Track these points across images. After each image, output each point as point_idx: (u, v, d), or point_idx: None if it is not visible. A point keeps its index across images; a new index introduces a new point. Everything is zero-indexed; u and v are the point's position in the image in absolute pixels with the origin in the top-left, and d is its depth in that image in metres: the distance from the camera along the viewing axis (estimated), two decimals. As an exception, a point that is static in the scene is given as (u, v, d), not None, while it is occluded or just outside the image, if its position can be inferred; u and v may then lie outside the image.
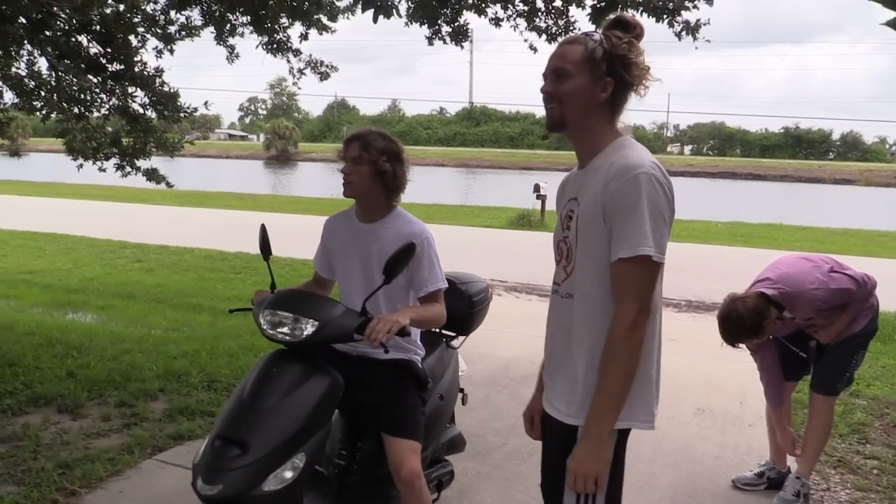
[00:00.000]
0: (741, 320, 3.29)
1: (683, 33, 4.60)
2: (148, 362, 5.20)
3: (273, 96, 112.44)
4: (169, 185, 7.47)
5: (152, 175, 7.21)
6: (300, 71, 6.76)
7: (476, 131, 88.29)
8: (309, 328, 2.35)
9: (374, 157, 2.55)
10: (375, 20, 4.77)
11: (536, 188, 16.51)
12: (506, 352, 5.96)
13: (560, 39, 5.19)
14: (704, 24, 4.69)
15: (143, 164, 7.17)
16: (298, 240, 7.53)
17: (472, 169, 53.93)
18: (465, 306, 3.17)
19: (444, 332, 3.19)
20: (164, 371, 5.02)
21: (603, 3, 4.64)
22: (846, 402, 4.90)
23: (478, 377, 5.13)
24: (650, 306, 1.83)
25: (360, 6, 4.84)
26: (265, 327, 2.41)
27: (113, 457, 3.71)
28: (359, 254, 2.66)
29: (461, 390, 3.32)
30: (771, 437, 3.81)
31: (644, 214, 1.76)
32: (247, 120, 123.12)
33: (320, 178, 45.29)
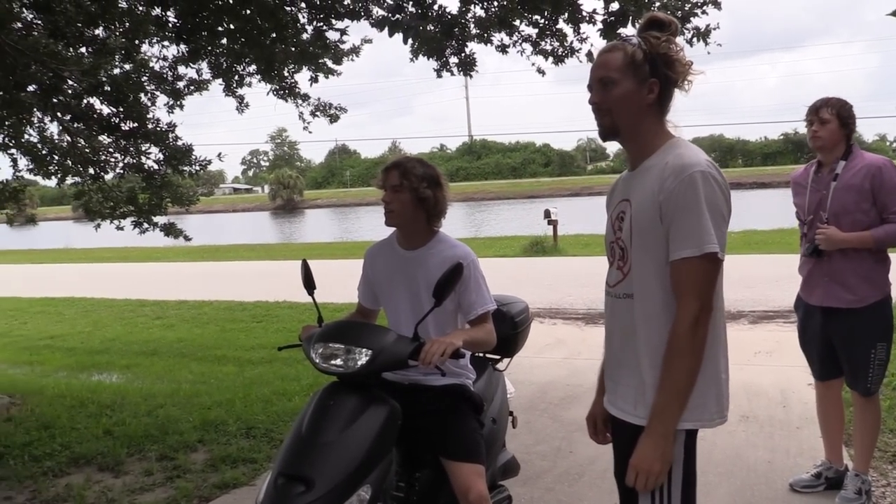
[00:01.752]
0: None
1: (695, 40, 4.64)
2: (183, 414, 5.18)
3: (274, 147, 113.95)
4: (187, 238, 7.51)
5: (170, 230, 7.25)
6: (312, 114, 6.83)
7: (478, 164, 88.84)
8: (363, 357, 2.33)
9: (415, 185, 2.55)
10: (405, 42, 4.87)
11: (547, 214, 16.56)
12: (540, 376, 5.91)
13: (566, 60, 5.27)
14: (714, 29, 4.73)
15: (159, 219, 7.24)
16: (317, 283, 7.52)
17: (478, 202, 54.08)
18: (508, 327, 3.14)
19: (489, 355, 3.17)
20: (201, 422, 4.99)
21: (613, 18, 4.69)
22: (891, 398, 4.82)
23: (516, 403, 5.05)
24: (711, 304, 1.83)
25: (385, 31, 4.91)
26: (318, 360, 2.39)
27: (160, 511, 3.67)
28: (405, 281, 2.64)
29: (510, 413, 3.28)
30: (824, 435, 3.74)
31: (704, 212, 1.77)
32: (250, 173, 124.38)
33: (328, 223, 45.62)
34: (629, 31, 4.72)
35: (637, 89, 1.87)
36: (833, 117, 3.31)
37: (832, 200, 3.32)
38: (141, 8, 5.65)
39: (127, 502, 3.82)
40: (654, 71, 1.86)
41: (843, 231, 3.29)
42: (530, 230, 19.32)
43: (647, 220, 1.85)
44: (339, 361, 2.37)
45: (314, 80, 6.55)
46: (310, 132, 7.46)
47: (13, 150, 7.11)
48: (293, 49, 5.96)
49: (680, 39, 1.92)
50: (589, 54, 5.11)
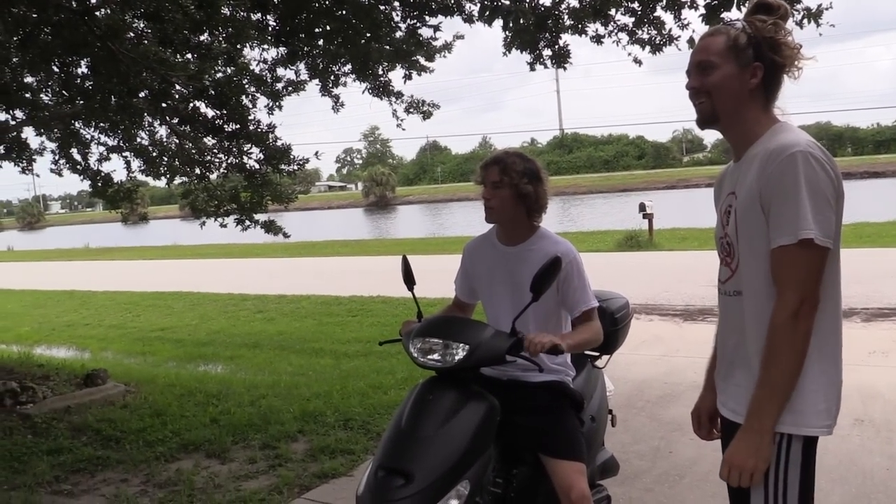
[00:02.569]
0: None
1: (805, 21, 4.40)
2: (284, 405, 5.35)
3: (367, 145, 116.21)
4: (286, 235, 7.78)
5: (270, 227, 7.52)
6: (406, 111, 6.91)
7: (569, 158, 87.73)
8: (461, 352, 2.33)
9: (516, 180, 2.51)
10: (504, 28, 4.86)
11: (642, 207, 16.17)
12: (637, 374, 5.77)
13: (665, 48, 5.11)
14: (827, 9, 4.46)
15: (260, 217, 7.51)
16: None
17: (570, 196, 53.42)
18: (607, 324, 3.06)
19: (588, 352, 3.11)
20: (301, 413, 5.14)
21: (716, 1, 4.50)
22: None
23: (613, 401, 4.98)
24: (816, 296, 1.71)
25: (485, 17, 4.92)
26: (416, 355, 2.41)
27: (264, 497, 3.80)
28: (506, 277, 2.62)
29: (610, 411, 3.22)
30: None
31: (802, 195, 1.66)
32: (344, 171, 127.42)
33: (420, 219, 46.14)
34: (734, 14, 4.54)
35: (739, 73, 1.78)
36: None
37: None
38: (242, 13, 5.86)
39: (233, 488, 3.97)
40: (758, 55, 1.78)
41: None
42: (625, 224, 18.89)
43: (751, 211, 1.76)
44: (436, 356, 2.38)
45: (408, 77, 6.63)
46: (403, 129, 7.60)
47: (127, 153, 7.55)
48: (387, 47, 6.05)
49: (790, 23, 1.82)
50: (690, 41, 4.92)
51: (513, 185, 2.51)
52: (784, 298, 1.70)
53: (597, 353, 3.17)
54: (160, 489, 4.02)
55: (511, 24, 4.91)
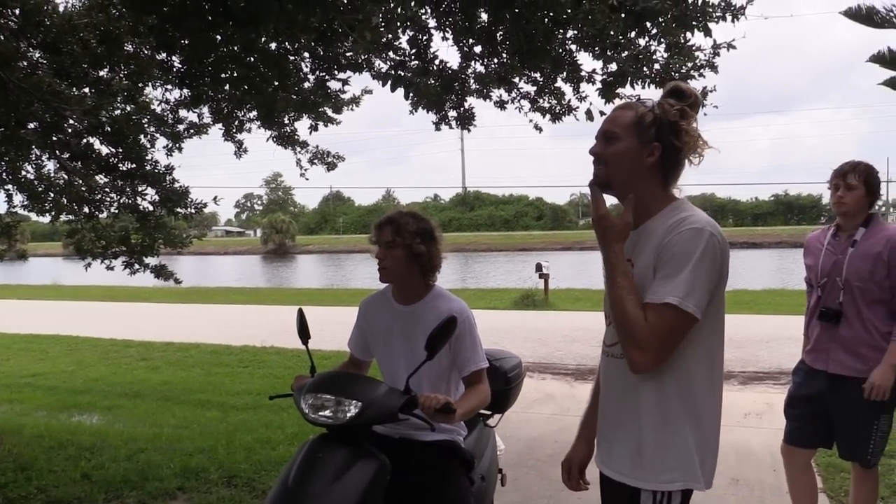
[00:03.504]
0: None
1: (699, 102, 4.70)
2: (164, 460, 5.08)
3: (269, 191, 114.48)
4: (177, 280, 7.49)
5: (161, 271, 7.23)
6: (310, 161, 6.90)
7: (471, 216, 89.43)
8: (353, 409, 2.32)
9: (408, 241, 2.55)
10: (406, 97, 4.97)
11: (538, 267, 16.60)
12: (528, 432, 5.85)
13: (564, 117, 5.37)
14: (711, 91, 4.83)
15: (150, 260, 7.21)
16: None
17: (470, 253, 54.22)
18: (500, 383, 3.11)
19: (480, 410, 3.14)
20: (182, 469, 4.89)
21: (612, 77, 4.78)
22: (884, 463, 4.77)
23: (502, 459, 5.02)
24: (666, 356, 1.81)
25: (388, 86, 5.02)
26: (307, 411, 2.38)
27: (136, 561, 3.57)
28: (401, 336, 2.64)
29: (500, 470, 3.24)
30: (795, 502, 3.67)
31: (688, 267, 1.78)
32: (243, 216, 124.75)
33: (319, 269, 45.55)
34: (628, 91, 4.83)
35: (638, 149, 1.90)
36: (860, 184, 3.27)
37: (847, 266, 3.28)
38: (146, 52, 5.73)
39: (102, 550, 3.71)
40: (659, 136, 1.89)
41: (857, 299, 3.25)
42: (522, 283, 19.35)
43: (645, 279, 1.86)
44: (328, 412, 2.35)
45: (314, 128, 6.64)
46: (306, 179, 7.54)
47: (9, 186, 7.12)
48: (294, 97, 6.05)
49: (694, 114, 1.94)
50: (587, 112, 5.19)
51: (405, 245, 2.55)
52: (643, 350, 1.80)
53: (489, 412, 3.21)
54: (19, 552, 3.71)
55: (412, 94, 5.06)
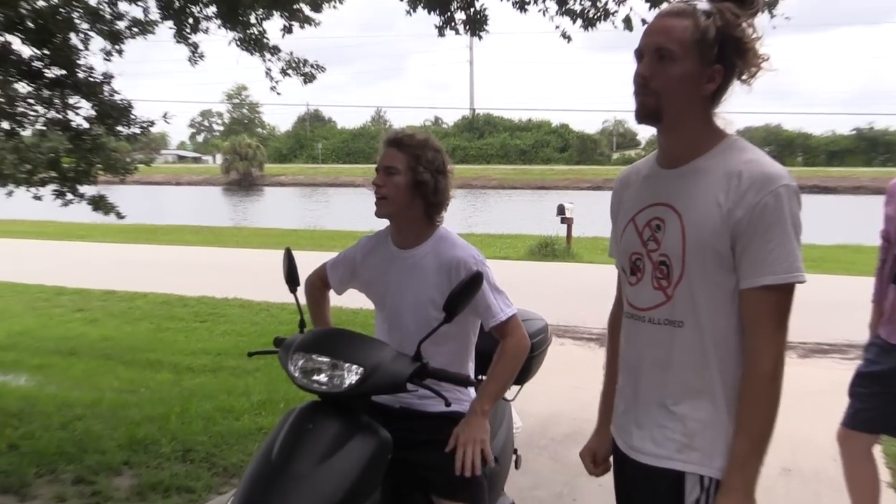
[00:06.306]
0: None
1: (760, 9, 4.62)
2: (106, 430, 5.21)
3: (231, 109, 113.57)
4: (119, 215, 7.51)
5: (99, 203, 7.23)
6: (282, 71, 6.85)
7: (480, 144, 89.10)
8: (353, 376, 2.35)
9: (413, 166, 2.58)
10: None
11: (561, 210, 16.61)
12: (542, 407, 5.94)
13: (599, 24, 5.31)
14: (782, -1, 4.77)
15: (87, 190, 7.22)
16: (272, 280, 7.49)
17: (478, 189, 54.18)
18: None
19: None
20: (128, 440, 5.02)
21: (663, -21, 4.72)
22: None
23: (517, 438, 5.13)
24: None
25: None
26: (297, 374, 2.41)
27: (72, 545, 3.70)
28: (397, 285, 2.68)
29: (515, 451, 3.31)
30: (853, 497, 3.76)
31: (791, 234, 1.82)
32: (199, 138, 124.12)
33: (292, 206, 45.56)
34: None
35: (698, 74, 1.85)
36: None
37: None
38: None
39: (32, 533, 3.84)
40: (721, 56, 1.85)
41: None
42: (540, 228, 19.37)
43: (712, 235, 1.86)
44: (322, 378, 2.38)
45: (287, 30, 6.58)
46: (278, 94, 7.48)
47: None
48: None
49: (759, 21, 1.89)
50: (626, 20, 5.12)
51: (410, 170, 2.58)
52: (770, 343, 1.85)
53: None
54: (-66, 532, 3.84)
55: None
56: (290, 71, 6.98)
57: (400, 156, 2.60)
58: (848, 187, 54.25)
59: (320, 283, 3.00)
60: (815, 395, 6.43)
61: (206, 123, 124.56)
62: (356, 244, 2.91)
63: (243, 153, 69.03)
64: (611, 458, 2.28)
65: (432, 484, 2.59)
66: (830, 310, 9.65)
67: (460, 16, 5.68)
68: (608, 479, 2.31)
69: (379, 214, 2.68)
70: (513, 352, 2.65)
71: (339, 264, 2.93)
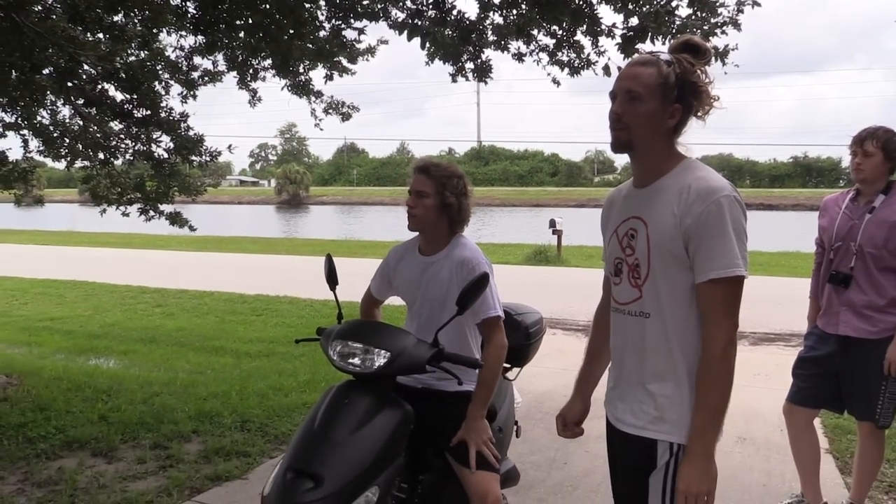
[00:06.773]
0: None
1: (712, 59, 4.61)
2: (179, 404, 5.19)
3: (283, 142, 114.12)
4: (192, 228, 7.51)
5: (176, 219, 7.24)
6: (325, 111, 6.84)
7: (485, 170, 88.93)
8: (381, 359, 2.36)
9: (440, 191, 2.58)
10: (423, 47, 4.91)
11: (552, 223, 16.54)
12: (537, 386, 5.90)
13: (583, 72, 5.27)
14: (733, 50, 4.72)
15: (165, 207, 7.24)
16: (316, 281, 7.50)
17: (484, 207, 54.07)
18: (521, 337, 3.17)
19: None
20: (196, 412, 5.00)
21: (632, 32, 4.68)
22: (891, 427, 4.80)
23: (517, 412, 5.09)
24: (738, 322, 1.88)
25: (405, 35, 4.96)
26: (335, 358, 2.42)
27: (151, 499, 3.68)
28: (423, 287, 2.68)
29: (515, 422, 3.29)
30: (798, 467, 3.69)
31: (731, 236, 1.81)
32: (257, 166, 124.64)
33: (332, 221, 45.63)
34: (647, 46, 4.73)
35: (662, 111, 1.87)
36: (878, 150, 3.23)
37: (863, 232, 3.27)
38: (161, -3, 5.65)
39: (119, 489, 3.81)
40: (680, 97, 1.87)
41: (869, 265, 3.24)
42: (535, 239, 19.30)
43: (669, 240, 1.86)
44: (356, 360, 2.39)
45: (329, 77, 6.56)
46: (321, 129, 7.49)
47: (25, 131, 7.12)
48: (310, 46, 5.97)
49: (710, 69, 1.92)
50: (605, 68, 5.10)
51: (438, 194, 2.59)
52: (720, 327, 1.84)
53: (508, 365, 3.24)
54: (39, 488, 3.82)
55: (428, 45, 4.98)
56: (330, 111, 6.97)
57: (429, 182, 2.60)
58: (788, 205, 53.81)
59: (368, 299, 3.00)
60: (763, 376, 6.36)
61: (262, 154, 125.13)
62: (388, 255, 2.90)
63: (293, 178, 69.17)
64: (581, 425, 2.32)
65: (455, 455, 2.57)
66: (775, 305, 9.56)
67: (470, 65, 5.66)
68: (594, 445, 2.29)
69: (411, 228, 2.69)
70: (493, 362, 2.62)
71: (377, 277, 2.93)
